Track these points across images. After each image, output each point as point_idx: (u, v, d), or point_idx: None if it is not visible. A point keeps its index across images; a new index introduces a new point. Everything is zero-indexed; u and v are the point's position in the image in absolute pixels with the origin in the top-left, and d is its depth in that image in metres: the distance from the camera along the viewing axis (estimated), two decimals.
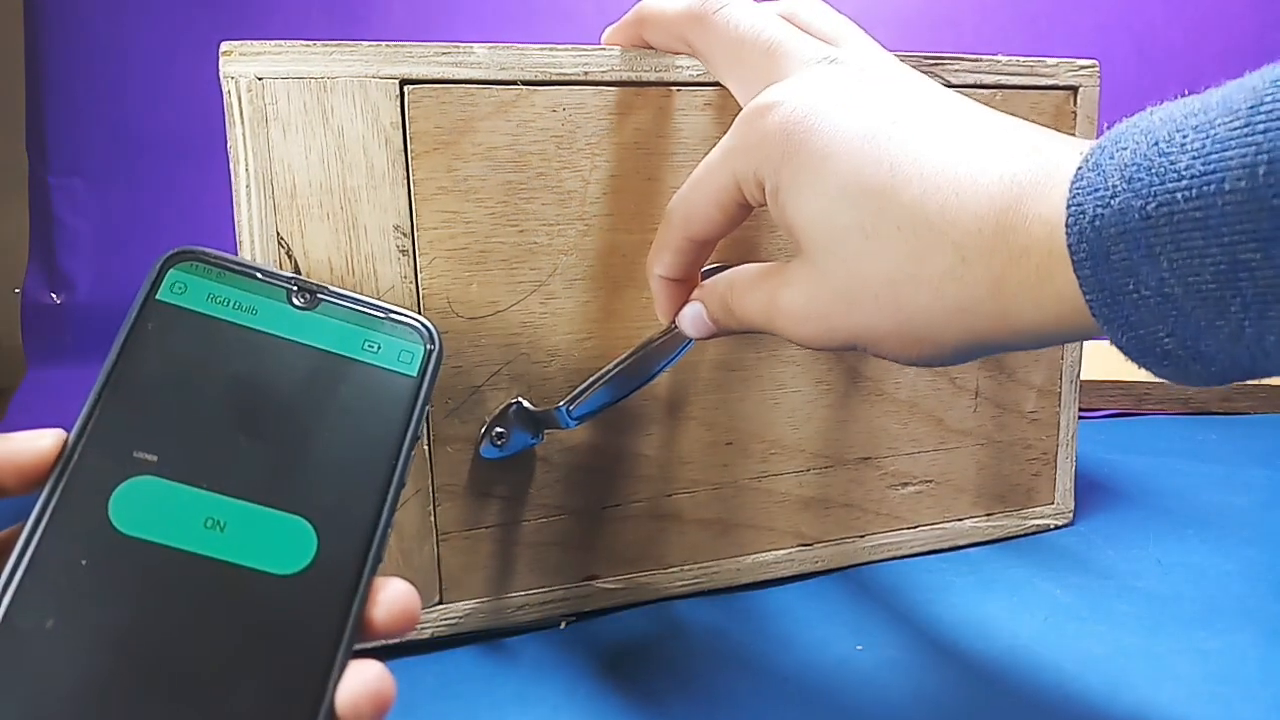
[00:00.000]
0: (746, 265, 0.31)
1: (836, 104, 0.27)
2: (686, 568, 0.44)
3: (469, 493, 0.39)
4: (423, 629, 0.40)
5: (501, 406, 0.38)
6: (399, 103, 0.35)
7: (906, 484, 0.48)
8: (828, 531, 0.46)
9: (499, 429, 0.38)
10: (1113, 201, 0.21)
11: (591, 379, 0.37)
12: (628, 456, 0.41)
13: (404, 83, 0.35)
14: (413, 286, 0.36)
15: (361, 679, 0.22)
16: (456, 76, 0.36)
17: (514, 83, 0.36)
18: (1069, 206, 0.22)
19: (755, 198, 0.29)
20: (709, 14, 0.32)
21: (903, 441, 0.47)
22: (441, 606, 0.40)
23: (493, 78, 0.36)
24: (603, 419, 0.40)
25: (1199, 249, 0.20)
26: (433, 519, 0.39)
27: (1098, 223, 0.21)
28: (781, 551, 0.45)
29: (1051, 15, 1.04)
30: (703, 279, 0.35)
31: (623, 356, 0.37)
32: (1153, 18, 1.04)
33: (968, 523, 0.49)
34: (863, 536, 0.47)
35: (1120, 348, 0.23)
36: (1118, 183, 0.21)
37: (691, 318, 0.33)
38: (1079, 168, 0.22)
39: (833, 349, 0.28)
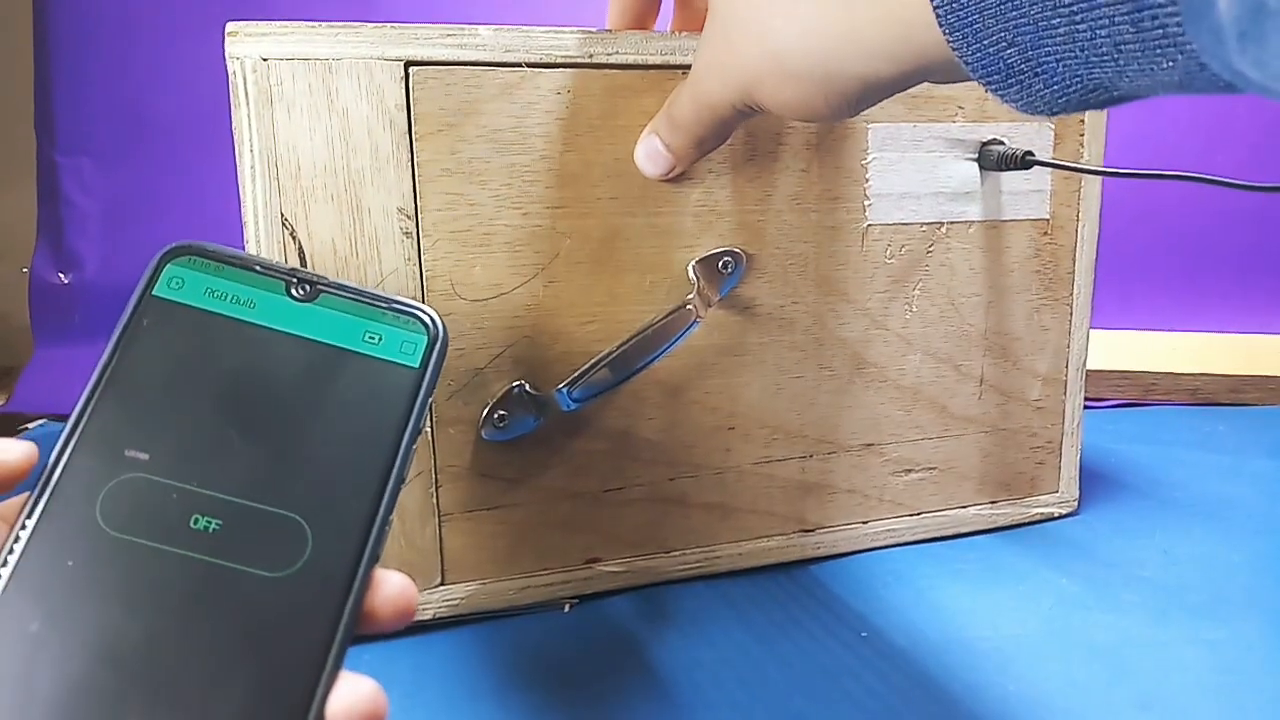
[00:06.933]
0: None
1: None
2: (688, 552, 0.44)
3: (471, 475, 0.39)
4: (424, 609, 0.40)
5: (503, 389, 0.38)
6: (404, 85, 0.35)
7: (910, 470, 0.48)
8: (830, 517, 0.46)
9: (501, 412, 0.38)
10: None
11: (592, 361, 0.38)
12: (630, 440, 0.42)
13: (409, 64, 0.35)
14: (416, 269, 0.36)
15: (356, 694, 0.21)
16: (462, 59, 0.35)
17: (519, 65, 0.36)
18: None
19: None
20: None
21: (906, 428, 0.47)
22: (444, 588, 0.40)
23: (498, 59, 0.36)
24: (605, 402, 0.40)
25: None
26: (435, 500, 0.39)
27: None
28: (784, 537, 0.46)
29: None
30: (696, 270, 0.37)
31: (624, 339, 0.38)
32: None
33: (971, 510, 0.49)
34: (865, 523, 0.47)
35: (968, 65, 0.23)
36: None
37: (647, 154, 0.37)
38: None
39: (730, 100, 0.32)
